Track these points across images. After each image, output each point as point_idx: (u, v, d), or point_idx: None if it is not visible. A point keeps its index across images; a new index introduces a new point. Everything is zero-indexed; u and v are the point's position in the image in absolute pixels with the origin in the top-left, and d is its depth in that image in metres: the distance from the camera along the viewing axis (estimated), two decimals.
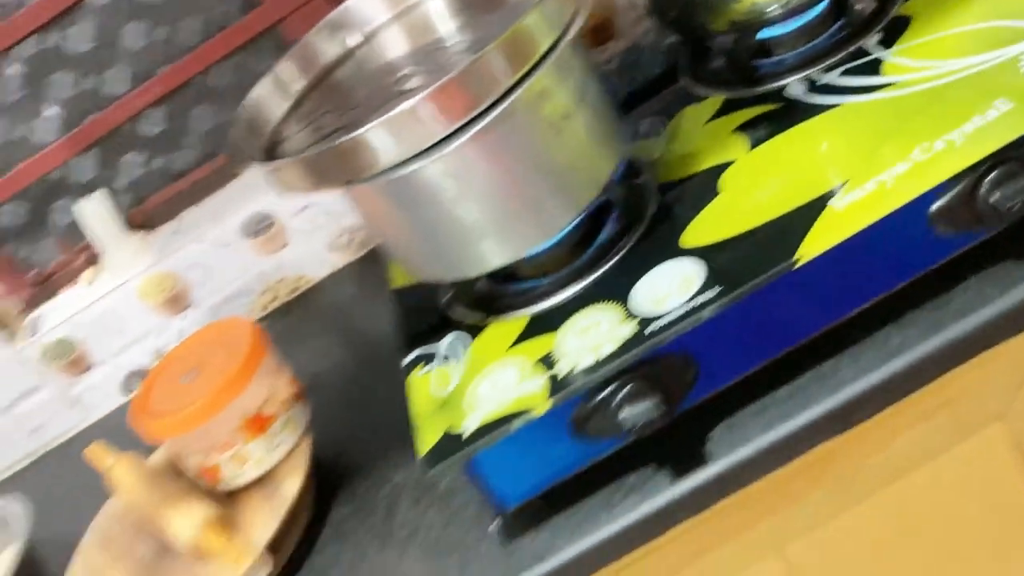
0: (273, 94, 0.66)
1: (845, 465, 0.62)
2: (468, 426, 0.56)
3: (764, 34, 0.69)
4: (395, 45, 0.68)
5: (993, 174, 0.52)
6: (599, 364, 0.55)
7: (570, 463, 0.58)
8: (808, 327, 0.56)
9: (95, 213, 1.00)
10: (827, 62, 0.66)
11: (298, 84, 0.67)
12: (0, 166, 1.00)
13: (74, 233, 1.04)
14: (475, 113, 0.55)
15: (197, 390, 0.69)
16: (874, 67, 0.63)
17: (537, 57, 0.55)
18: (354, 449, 0.77)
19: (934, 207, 0.54)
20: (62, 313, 1.02)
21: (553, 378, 0.56)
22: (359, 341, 0.92)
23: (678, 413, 0.56)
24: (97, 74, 0.97)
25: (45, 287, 1.06)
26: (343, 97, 0.66)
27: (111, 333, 1.03)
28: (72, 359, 1.03)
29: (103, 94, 0.98)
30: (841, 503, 0.64)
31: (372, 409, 0.80)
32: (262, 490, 0.72)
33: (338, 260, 1.04)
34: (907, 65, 0.62)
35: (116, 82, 0.98)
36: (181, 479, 0.75)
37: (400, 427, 0.74)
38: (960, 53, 0.60)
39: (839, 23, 0.68)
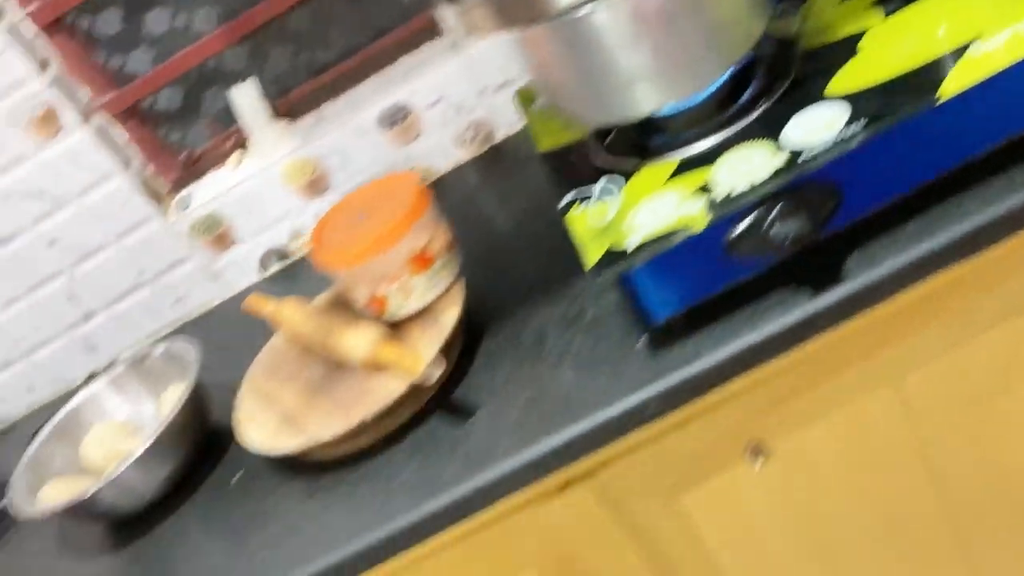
0: None
1: (962, 300, 0.69)
2: (631, 242, 0.64)
3: None
4: None
5: None
6: (754, 188, 0.62)
7: (720, 280, 0.66)
8: (944, 162, 0.63)
9: (246, 100, 1.09)
10: None
11: None
12: (161, 53, 1.09)
13: (224, 119, 1.13)
14: None
15: (370, 229, 0.78)
16: None
17: None
18: (499, 298, 0.85)
19: None
20: (210, 192, 1.12)
21: (711, 201, 0.63)
22: (488, 220, 1.01)
23: (820, 237, 0.64)
24: None
25: (194, 169, 1.15)
26: None
27: (254, 213, 1.12)
28: (217, 235, 1.13)
29: None
30: (957, 337, 0.71)
31: (510, 269, 0.89)
32: (422, 322, 0.81)
33: (462, 155, 1.13)
34: None
35: None
36: (346, 312, 0.84)
37: (538, 280, 0.84)
38: None
39: None
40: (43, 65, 1.02)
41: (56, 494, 0.88)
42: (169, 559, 0.81)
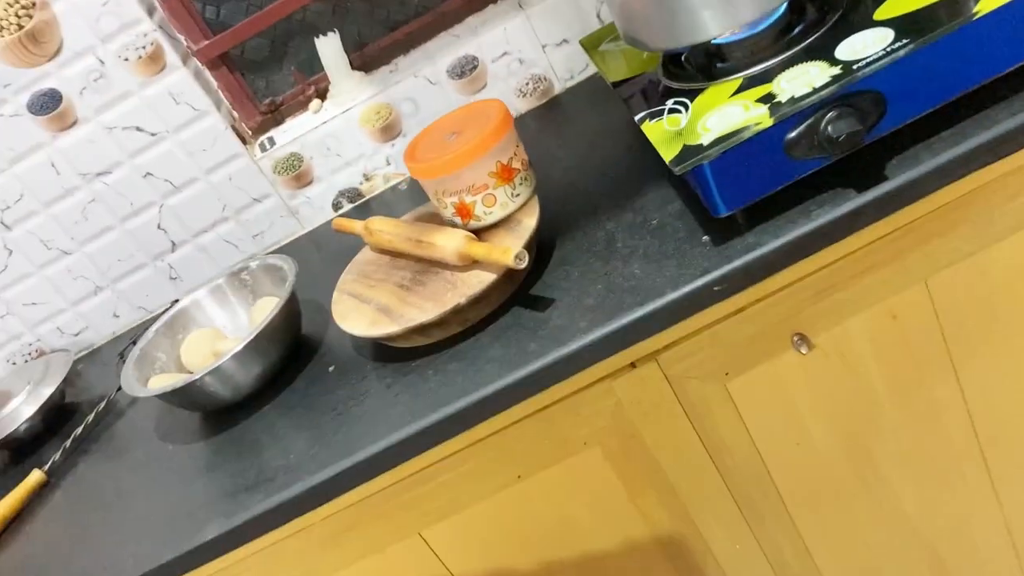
0: None
1: (985, 207, 0.79)
2: (704, 139, 0.74)
3: None
4: None
5: None
6: (814, 91, 0.72)
7: (781, 178, 0.76)
8: (977, 76, 0.73)
9: (328, 51, 1.20)
10: None
11: None
12: (252, 5, 1.20)
13: (306, 68, 1.24)
14: None
15: (460, 143, 0.88)
16: None
17: None
18: (571, 214, 0.95)
19: None
20: (292, 133, 1.22)
21: (775, 105, 0.74)
22: (557, 152, 1.10)
23: (868, 140, 0.74)
24: None
25: (277, 114, 1.26)
26: None
27: (331, 153, 1.23)
28: (297, 173, 1.23)
29: None
30: (979, 243, 0.81)
31: (580, 189, 0.99)
32: (505, 227, 0.90)
33: (522, 105, 1.23)
34: None
35: None
36: (431, 222, 0.94)
37: (605, 197, 0.94)
38: None
39: None
40: (150, 10, 1.13)
41: (160, 384, 0.97)
42: (255, 443, 0.90)
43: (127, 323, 1.31)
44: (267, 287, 1.05)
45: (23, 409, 1.13)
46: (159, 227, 1.24)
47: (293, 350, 0.99)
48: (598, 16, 1.17)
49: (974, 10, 0.70)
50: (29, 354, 1.32)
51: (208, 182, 1.22)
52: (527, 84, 1.22)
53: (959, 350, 0.86)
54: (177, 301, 1.29)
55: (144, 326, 1.28)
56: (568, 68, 1.21)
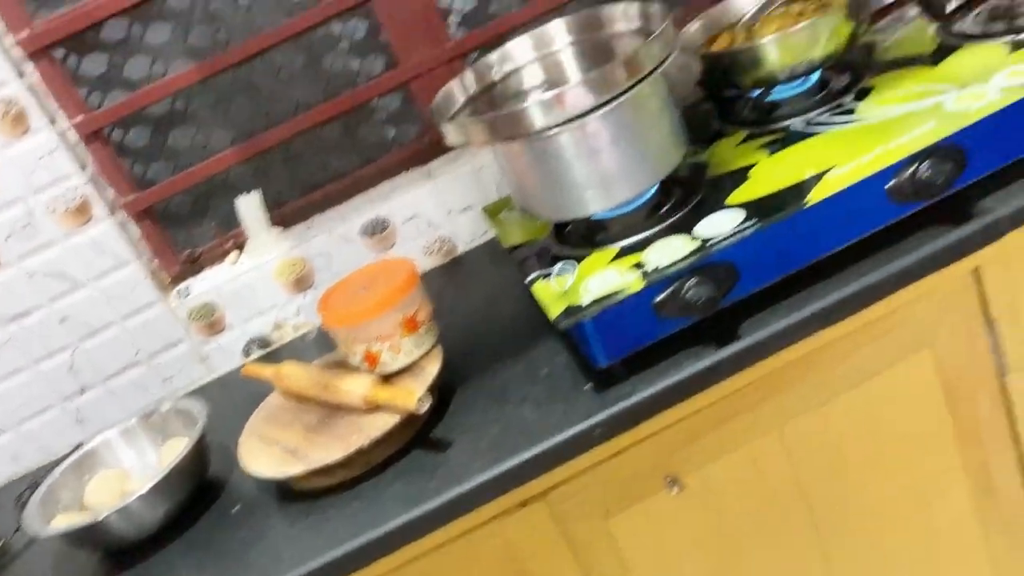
0: (456, 90, 0.98)
1: (826, 365, 0.91)
2: (585, 299, 0.85)
3: (777, 94, 1.04)
4: (534, 75, 1.02)
5: (924, 162, 0.85)
6: (676, 262, 0.85)
7: (650, 334, 0.87)
8: (813, 252, 0.87)
9: (249, 208, 1.29)
10: (819, 109, 1.00)
11: (472, 89, 1.00)
12: (179, 165, 1.29)
13: (226, 223, 1.32)
14: (599, 103, 0.86)
15: (370, 297, 0.97)
16: (849, 111, 0.98)
17: (644, 74, 0.88)
18: (469, 363, 1.04)
19: (889, 183, 0.86)
20: (210, 283, 1.29)
21: (644, 272, 0.85)
22: (458, 307, 1.20)
23: (723, 304, 0.86)
24: (267, 104, 1.29)
25: (195, 266, 1.33)
26: (500, 98, 0.99)
27: (245, 304, 1.30)
28: (211, 320, 1.30)
29: (273, 116, 1.29)
30: (826, 394, 0.93)
31: (477, 342, 1.08)
32: (409, 374, 0.98)
33: (429, 263, 1.34)
34: (868, 110, 0.96)
35: (283, 112, 1.30)
36: (340, 369, 1.02)
37: (500, 349, 1.04)
38: (899, 101, 0.94)
39: (825, 90, 1.04)
40: (83, 165, 1.21)
41: (63, 524, 0.99)
42: None
43: (28, 465, 1.31)
44: (177, 429, 1.09)
45: None
46: (71, 369, 1.27)
47: (200, 491, 1.03)
48: (497, 188, 1.30)
49: (807, 199, 0.85)
50: None
51: (123, 327, 1.27)
52: (434, 244, 1.33)
53: (812, 490, 0.96)
54: (81, 444, 1.31)
55: (46, 469, 1.28)
56: (471, 231, 1.33)
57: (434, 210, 1.31)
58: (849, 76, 1.04)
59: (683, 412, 0.90)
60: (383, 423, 0.92)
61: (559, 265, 0.95)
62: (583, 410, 0.87)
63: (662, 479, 0.93)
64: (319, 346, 1.27)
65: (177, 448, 1.06)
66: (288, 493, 0.97)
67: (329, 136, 1.32)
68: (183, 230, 1.33)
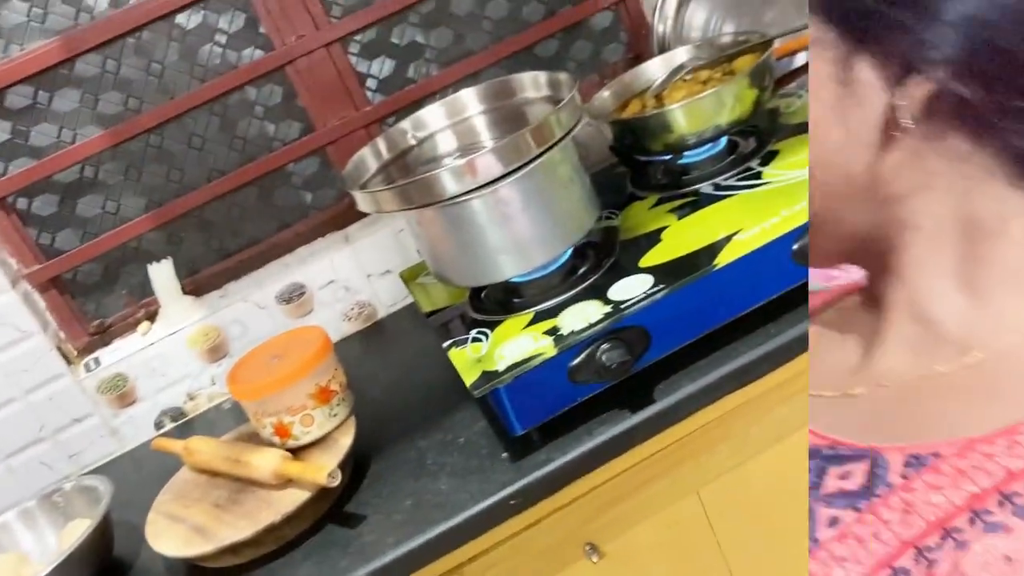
0: (369, 157, 0.98)
1: (742, 425, 0.92)
2: (500, 366, 0.84)
3: (686, 159, 1.06)
4: (447, 141, 1.02)
5: None
6: (589, 326, 0.84)
7: (565, 400, 0.86)
8: (723, 314, 0.88)
9: (161, 276, 1.26)
10: (727, 173, 1.02)
11: (385, 155, 0.99)
12: (88, 233, 1.26)
13: (137, 292, 1.29)
14: (509, 169, 0.87)
15: (281, 367, 0.95)
16: (756, 175, 1.00)
17: (553, 141, 0.89)
18: (384, 434, 1.02)
19: (795, 245, 0.88)
20: (120, 354, 1.25)
21: (558, 338, 0.85)
22: (375, 375, 1.18)
23: (637, 367, 0.86)
24: (180, 170, 1.27)
25: (104, 337, 1.28)
26: (414, 164, 0.99)
27: (157, 374, 1.26)
28: (122, 393, 1.25)
29: (187, 182, 1.27)
30: (742, 455, 0.93)
31: (393, 411, 1.06)
32: (321, 446, 0.96)
33: (348, 328, 1.32)
34: (774, 174, 0.99)
35: (197, 178, 1.28)
36: (250, 443, 0.98)
37: (416, 419, 1.02)
38: (803, 165, 0.97)
39: (733, 155, 1.06)
40: None
41: None
42: None
43: None
44: (81, 509, 1.04)
45: None
46: None
47: (104, 573, 0.98)
48: (417, 251, 1.29)
49: (714, 262, 0.86)
50: None
51: (26, 402, 1.21)
52: (352, 309, 1.31)
53: (732, 552, 0.96)
54: None
55: None
56: (391, 295, 1.32)
57: (353, 274, 1.30)
58: (755, 141, 1.07)
59: (600, 478, 0.89)
60: (294, 498, 0.89)
61: (474, 332, 0.94)
62: (499, 480, 0.85)
63: (581, 547, 0.91)
64: (235, 416, 1.24)
65: (79, 529, 1.01)
66: (199, 572, 0.92)
67: (244, 201, 1.31)
68: (93, 300, 1.29)
